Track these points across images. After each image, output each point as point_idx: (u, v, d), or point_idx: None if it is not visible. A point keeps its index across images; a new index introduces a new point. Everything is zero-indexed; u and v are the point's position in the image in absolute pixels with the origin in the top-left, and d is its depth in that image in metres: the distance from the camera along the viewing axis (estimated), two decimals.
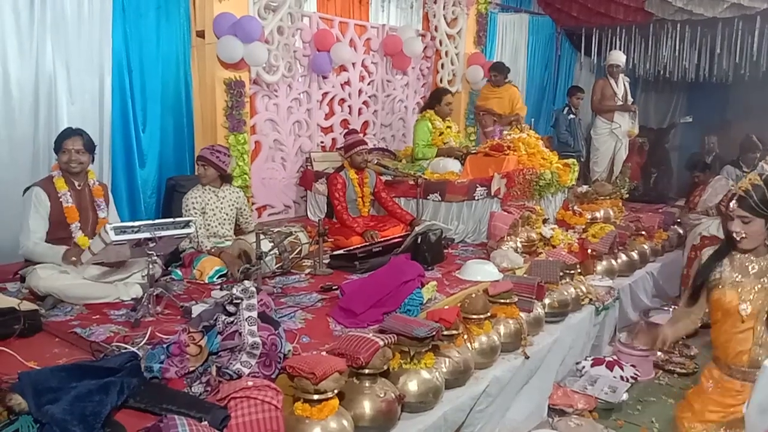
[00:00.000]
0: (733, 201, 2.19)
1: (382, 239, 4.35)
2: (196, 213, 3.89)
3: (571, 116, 7.51)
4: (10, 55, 3.85)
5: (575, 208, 5.69)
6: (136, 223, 2.92)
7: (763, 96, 8.62)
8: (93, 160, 3.44)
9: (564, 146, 7.23)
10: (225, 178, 4.07)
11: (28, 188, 3.27)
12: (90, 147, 3.35)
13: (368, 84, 6.47)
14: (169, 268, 3.72)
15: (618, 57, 7.31)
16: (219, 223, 4.02)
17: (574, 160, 6.15)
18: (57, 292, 3.08)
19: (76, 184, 3.35)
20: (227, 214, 4.06)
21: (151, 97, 4.61)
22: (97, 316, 2.96)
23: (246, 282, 2.57)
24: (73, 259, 3.15)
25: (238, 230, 4.22)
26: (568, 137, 7.43)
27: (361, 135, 5.26)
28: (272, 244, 3.70)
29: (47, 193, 3.23)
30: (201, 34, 4.77)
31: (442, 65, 7.14)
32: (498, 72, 6.71)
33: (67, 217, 3.26)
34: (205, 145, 4.23)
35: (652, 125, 9.93)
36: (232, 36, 4.57)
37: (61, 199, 3.25)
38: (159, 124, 4.68)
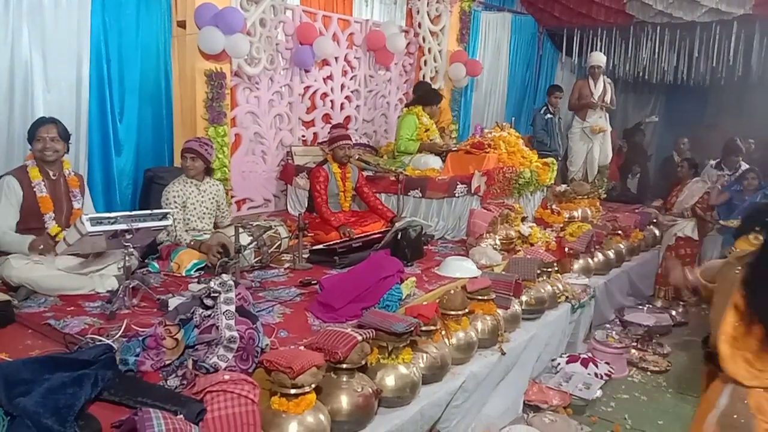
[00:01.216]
0: None
1: (361, 234, 4.35)
2: (176, 206, 3.85)
3: (549, 115, 7.55)
4: None
5: (553, 206, 5.76)
6: (113, 214, 2.89)
7: (739, 99, 8.80)
8: (68, 150, 3.39)
9: (540, 145, 7.29)
10: (208, 171, 4.05)
11: (0, 177, 3.21)
12: (65, 135, 3.31)
13: (351, 79, 6.45)
14: (146, 260, 3.68)
15: (598, 58, 7.38)
16: (198, 217, 3.98)
17: (553, 159, 6.20)
18: (31, 283, 3.02)
19: (51, 173, 3.29)
20: (207, 208, 4.02)
21: (130, 88, 4.55)
22: (72, 308, 2.92)
23: (224, 275, 2.56)
24: (41, 247, 3.10)
25: (214, 225, 4.18)
26: (545, 136, 7.47)
27: (346, 130, 5.23)
28: (251, 237, 3.68)
29: (20, 182, 3.17)
30: (182, 25, 4.71)
31: (425, 62, 7.15)
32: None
33: (41, 206, 3.20)
34: (190, 137, 4.17)
35: (629, 126, 10.05)
36: (214, 27, 4.52)
37: (35, 189, 3.20)
38: (137, 115, 4.62)
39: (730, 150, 6.83)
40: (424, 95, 5.86)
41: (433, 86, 6.64)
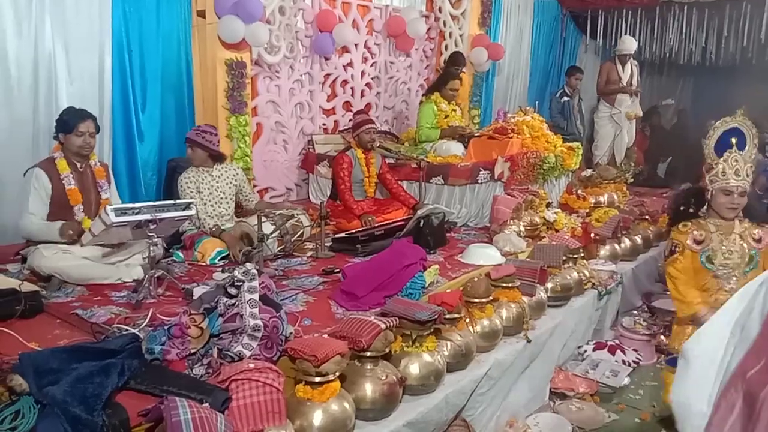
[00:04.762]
0: None
1: (384, 222, 4.32)
2: (191, 194, 3.87)
3: (565, 98, 7.34)
4: (8, 34, 3.79)
5: (579, 192, 5.67)
6: (137, 205, 2.91)
7: None
8: None
9: (558, 130, 7.11)
10: (216, 158, 4.00)
11: (29, 169, 3.25)
12: (98, 130, 3.36)
13: (371, 65, 6.40)
14: (171, 250, 3.70)
15: (630, 45, 7.17)
16: (216, 202, 3.98)
17: (579, 144, 6.09)
18: (59, 272, 3.07)
19: (78, 165, 3.32)
20: (224, 193, 4.02)
21: (151, 78, 4.56)
22: (99, 298, 2.96)
23: (247, 264, 2.56)
24: (70, 232, 3.13)
25: (240, 210, 4.19)
26: (561, 120, 7.25)
27: (369, 115, 5.19)
28: (274, 226, 3.68)
29: (48, 174, 3.20)
30: (202, 14, 4.70)
31: (446, 47, 7.05)
32: (459, 64, 6.34)
33: (70, 199, 3.23)
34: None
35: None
36: (234, 16, 4.51)
37: (63, 181, 3.22)
38: (159, 105, 4.63)
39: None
40: (437, 80, 5.78)
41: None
